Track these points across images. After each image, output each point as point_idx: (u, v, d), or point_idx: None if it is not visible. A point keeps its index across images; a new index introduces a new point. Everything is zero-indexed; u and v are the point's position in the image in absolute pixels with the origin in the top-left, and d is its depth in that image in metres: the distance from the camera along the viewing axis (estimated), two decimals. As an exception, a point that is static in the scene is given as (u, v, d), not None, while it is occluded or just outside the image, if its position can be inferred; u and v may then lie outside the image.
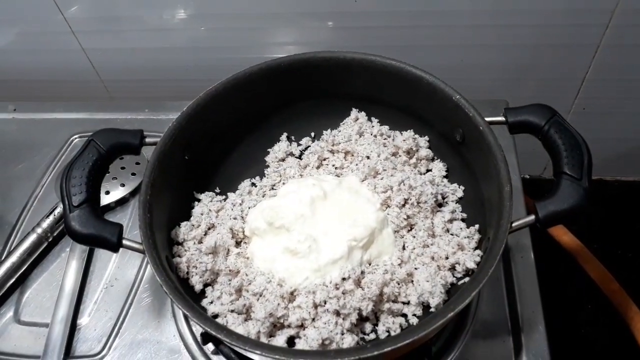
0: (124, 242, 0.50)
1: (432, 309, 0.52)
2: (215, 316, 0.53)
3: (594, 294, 0.83)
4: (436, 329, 0.44)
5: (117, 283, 0.65)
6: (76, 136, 0.80)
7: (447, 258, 0.55)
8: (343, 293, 0.52)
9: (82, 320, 0.62)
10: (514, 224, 0.48)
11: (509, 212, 0.48)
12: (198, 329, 0.61)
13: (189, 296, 0.53)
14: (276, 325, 0.52)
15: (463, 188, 0.61)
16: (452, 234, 0.57)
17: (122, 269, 0.66)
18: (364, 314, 0.52)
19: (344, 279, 0.53)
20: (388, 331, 0.52)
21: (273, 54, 0.62)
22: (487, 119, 0.55)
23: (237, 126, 0.65)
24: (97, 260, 0.67)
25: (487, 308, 0.61)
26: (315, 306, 0.52)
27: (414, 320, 0.53)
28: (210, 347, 0.59)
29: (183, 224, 0.58)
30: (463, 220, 0.59)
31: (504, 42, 0.85)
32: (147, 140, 0.56)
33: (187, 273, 0.55)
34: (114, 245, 0.50)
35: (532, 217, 0.48)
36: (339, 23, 0.84)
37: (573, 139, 0.51)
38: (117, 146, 0.55)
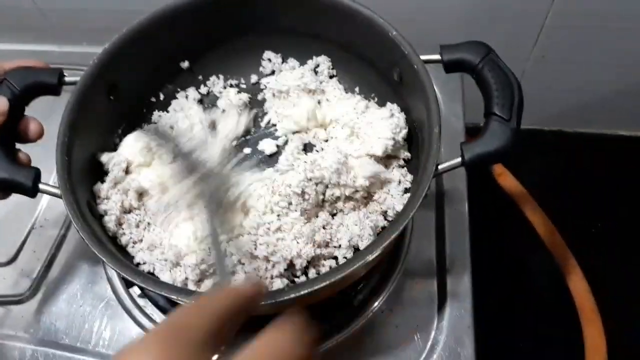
0: (40, 186, 0.48)
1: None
2: (144, 263, 0.53)
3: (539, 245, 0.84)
4: (356, 270, 0.43)
5: (47, 224, 0.63)
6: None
7: (380, 203, 0.55)
8: (276, 240, 0.52)
9: (9, 262, 0.61)
10: (440, 167, 0.47)
11: (435, 155, 0.47)
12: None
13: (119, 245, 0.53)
14: (205, 273, 0.52)
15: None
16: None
17: (52, 210, 0.64)
18: (297, 268, 0.51)
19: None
20: (318, 273, 0.52)
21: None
22: (422, 57, 0.53)
23: (167, 64, 0.62)
24: (26, 200, 0.65)
25: (416, 254, 0.61)
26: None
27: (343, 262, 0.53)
28: (136, 290, 0.59)
29: (103, 180, 0.55)
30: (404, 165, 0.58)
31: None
32: (67, 79, 0.53)
33: (117, 232, 0.53)
34: (29, 190, 0.48)
35: (459, 159, 0.47)
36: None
37: (505, 78, 0.49)
38: (33, 86, 0.52)
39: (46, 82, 0.52)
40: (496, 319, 0.76)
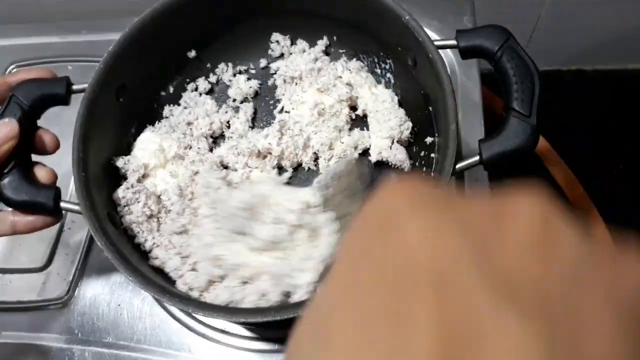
0: (62, 204, 0.49)
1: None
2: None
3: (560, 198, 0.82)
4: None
5: (75, 225, 0.64)
6: (13, 65, 0.75)
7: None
8: None
9: (43, 267, 0.62)
10: (457, 166, 0.46)
11: (452, 155, 0.46)
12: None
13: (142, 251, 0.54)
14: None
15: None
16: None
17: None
18: None
19: None
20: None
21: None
22: (437, 42, 0.50)
23: (173, 56, 0.60)
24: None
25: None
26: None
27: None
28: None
29: (121, 188, 0.54)
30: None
31: None
32: (75, 87, 0.52)
33: (139, 238, 0.54)
34: (52, 210, 0.48)
35: (477, 157, 0.46)
36: None
37: (525, 69, 0.46)
38: (42, 99, 0.51)
39: (55, 93, 0.51)
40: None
